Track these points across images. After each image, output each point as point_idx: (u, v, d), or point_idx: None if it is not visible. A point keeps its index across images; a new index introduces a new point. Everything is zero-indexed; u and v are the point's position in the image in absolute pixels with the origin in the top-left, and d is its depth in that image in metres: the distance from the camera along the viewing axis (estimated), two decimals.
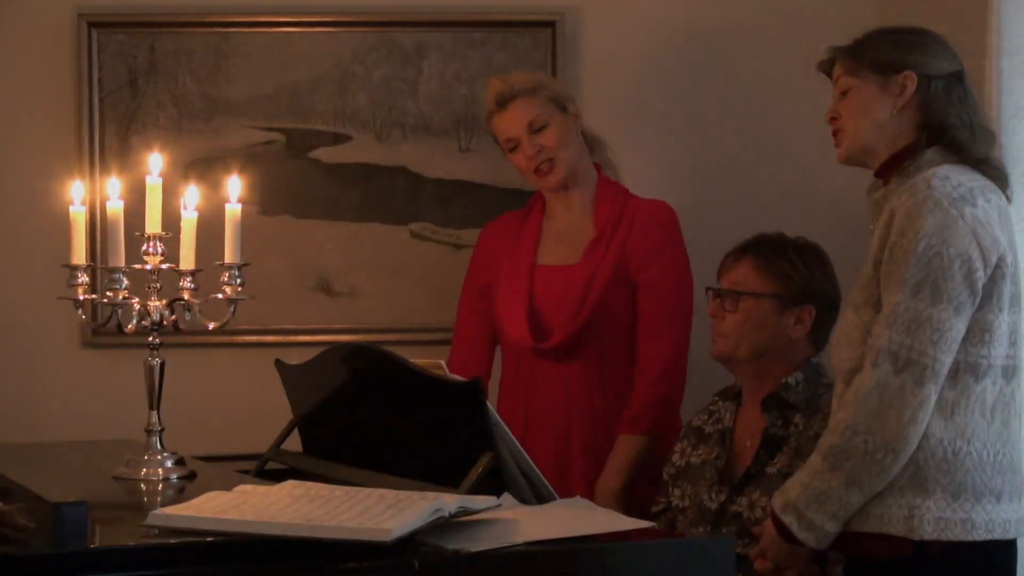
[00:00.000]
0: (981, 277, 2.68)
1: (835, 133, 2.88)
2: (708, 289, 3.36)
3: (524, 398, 3.65)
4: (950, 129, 2.77)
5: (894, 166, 2.81)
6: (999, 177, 2.82)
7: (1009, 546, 2.79)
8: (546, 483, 2.85)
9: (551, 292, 3.65)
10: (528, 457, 2.86)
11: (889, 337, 2.67)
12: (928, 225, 2.66)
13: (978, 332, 2.70)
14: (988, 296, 2.70)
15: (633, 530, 2.60)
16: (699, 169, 4.18)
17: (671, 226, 3.68)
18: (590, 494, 3.41)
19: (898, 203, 2.73)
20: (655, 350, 3.59)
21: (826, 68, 2.93)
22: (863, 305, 2.77)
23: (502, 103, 3.65)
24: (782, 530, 2.79)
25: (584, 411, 3.63)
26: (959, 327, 2.68)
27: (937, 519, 2.69)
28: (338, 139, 4.13)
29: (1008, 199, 2.84)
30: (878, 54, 2.82)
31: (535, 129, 3.63)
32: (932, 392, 2.67)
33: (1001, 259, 2.71)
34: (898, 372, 2.66)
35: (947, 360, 2.68)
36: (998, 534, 2.73)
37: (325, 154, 4.13)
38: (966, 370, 2.71)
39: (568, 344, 3.60)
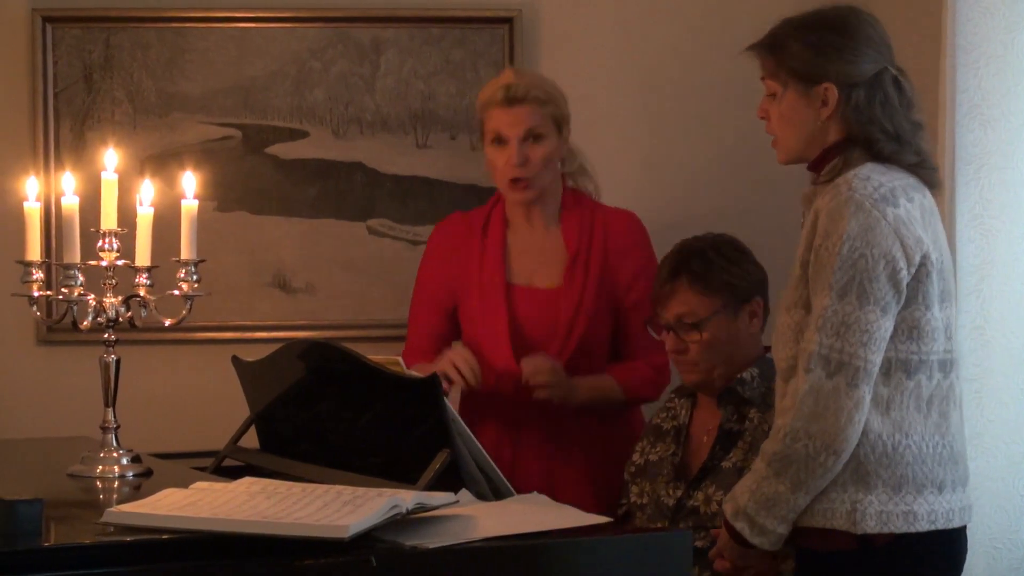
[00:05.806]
0: (905, 276, 2.71)
1: (772, 136, 2.90)
2: (651, 321, 3.34)
3: (513, 424, 3.52)
4: (875, 143, 2.79)
5: (825, 161, 2.83)
6: (927, 177, 2.83)
7: (954, 535, 2.82)
8: (503, 479, 2.85)
9: (533, 317, 3.56)
10: (486, 453, 2.86)
11: (819, 341, 2.70)
12: (851, 227, 2.69)
13: (906, 329, 2.74)
14: (913, 294, 2.73)
15: (590, 525, 2.60)
16: (658, 164, 4.19)
17: (644, 242, 3.61)
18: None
19: (821, 204, 2.76)
20: (653, 360, 3.53)
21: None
22: (794, 306, 2.80)
23: (510, 100, 3.49)
24: (735, 535, 2.81)
25: (574, 435, 3.54)
26: (887, 326, 2.71)
27: (879, 512, 2.72)
28: (295, 135, 4.11)
29: (934, 194, 2.85)
30: (797, 63, 2.82)
31: (530, 138, 3.49)
32: (866, 392, 2.70)
33: (925, 257, 2.74)
34: (831, 375, 2.69)
35: (877, 360, 2.71)
36: (941, 524, 2.76)
37: (281, 150, 4.11)
38: (898, 367, 2.74)
39: None
